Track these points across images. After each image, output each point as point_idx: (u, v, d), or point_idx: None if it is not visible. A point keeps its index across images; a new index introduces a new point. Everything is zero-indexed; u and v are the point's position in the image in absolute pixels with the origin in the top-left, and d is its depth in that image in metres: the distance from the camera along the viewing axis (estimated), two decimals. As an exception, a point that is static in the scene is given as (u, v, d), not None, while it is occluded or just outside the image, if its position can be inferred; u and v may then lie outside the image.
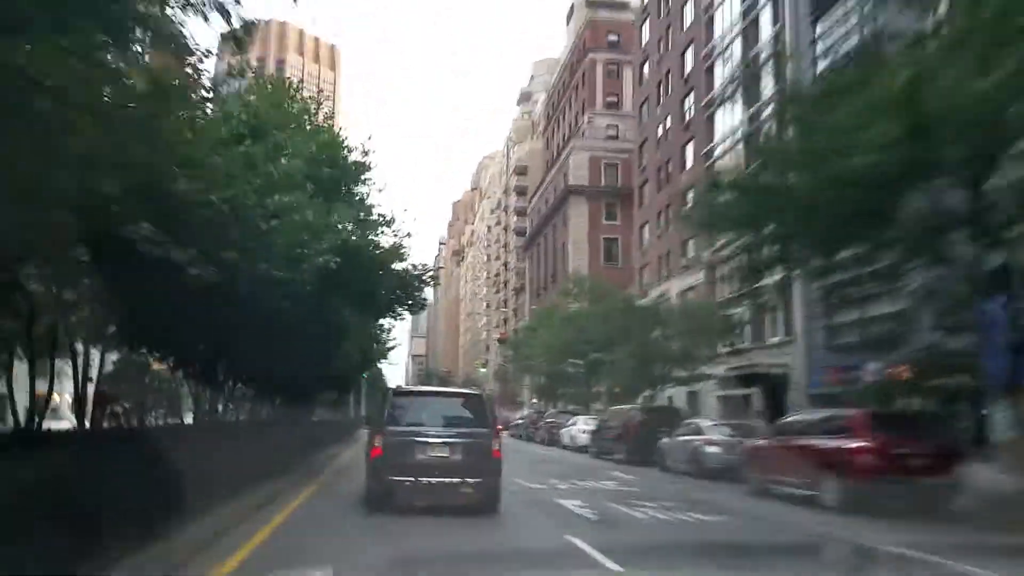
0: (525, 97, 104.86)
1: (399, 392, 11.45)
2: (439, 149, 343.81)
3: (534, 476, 15.79)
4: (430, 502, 9.59)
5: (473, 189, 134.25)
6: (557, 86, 75.05)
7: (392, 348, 33.68)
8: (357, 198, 14.19)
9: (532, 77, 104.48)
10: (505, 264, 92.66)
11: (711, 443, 16.77)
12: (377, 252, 13.90)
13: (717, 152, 34.35)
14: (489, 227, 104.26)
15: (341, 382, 28.36)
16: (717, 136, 34.80)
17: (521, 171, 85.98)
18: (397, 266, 15.43)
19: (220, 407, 20.53)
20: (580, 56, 65.81)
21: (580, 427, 28.05)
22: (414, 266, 15.75)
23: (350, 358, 20.98)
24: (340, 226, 11.79)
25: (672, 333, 25.36)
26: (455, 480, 9.62)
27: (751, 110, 31.34)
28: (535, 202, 74.09)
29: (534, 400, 56.81)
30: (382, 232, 14.36)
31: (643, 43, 47.89)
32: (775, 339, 29.71)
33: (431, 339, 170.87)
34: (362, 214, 13.89)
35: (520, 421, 42.60)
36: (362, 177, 14.84)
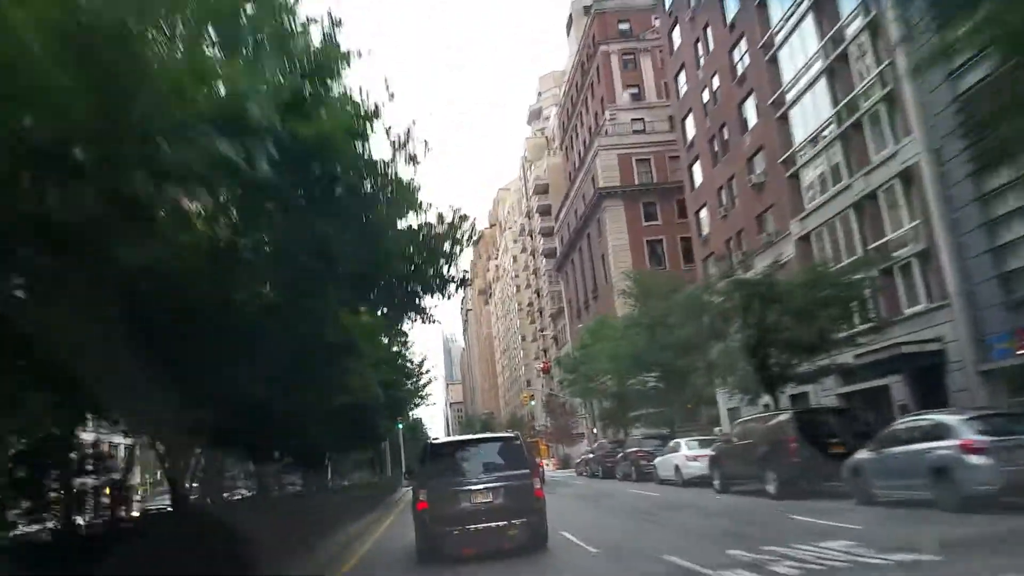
0: (535, 114, 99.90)
1: (436, 444, 11.79)
2: (450, 192, 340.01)
3: (691, 546, 9.13)
4: (480, 548, 9.65)
5: (492, 225, 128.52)
6: (569, 92, 69.60)
7: (427, 383, 26.88)
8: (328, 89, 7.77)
9: (539, 93, 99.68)
10: (537, 292, 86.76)
11: (971, 450, 9.93)
12: (367, 171, 7.57)
13: (791, 95, 27.95)
14: (515, 256, 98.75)
15: (367, 431, 21.75)
16: (786, 79, 28.42)
17: (542, 190, 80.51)
18: (414, 221, 9.07)
19: (193, 483, 14.51)
20: (591, 52, 60.42)
21: (685, 452, 21.17)
22: (441, 217, 9.33)
23: (368, 391, 14.53)
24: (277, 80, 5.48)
25: (800, 309, 18.39)
26: (502, 523, 9.80)
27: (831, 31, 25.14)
28: (563, 217, 68.05)
29: (595, 430, 49.64)
30: (363, 147, 7.81)
31: (667, 4, 41.99)
32: (917, 307, 22.64)
33: (467, 384, 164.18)
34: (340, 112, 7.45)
35: (590, 455, 35.49)
36: (338, 69, 8.36)
